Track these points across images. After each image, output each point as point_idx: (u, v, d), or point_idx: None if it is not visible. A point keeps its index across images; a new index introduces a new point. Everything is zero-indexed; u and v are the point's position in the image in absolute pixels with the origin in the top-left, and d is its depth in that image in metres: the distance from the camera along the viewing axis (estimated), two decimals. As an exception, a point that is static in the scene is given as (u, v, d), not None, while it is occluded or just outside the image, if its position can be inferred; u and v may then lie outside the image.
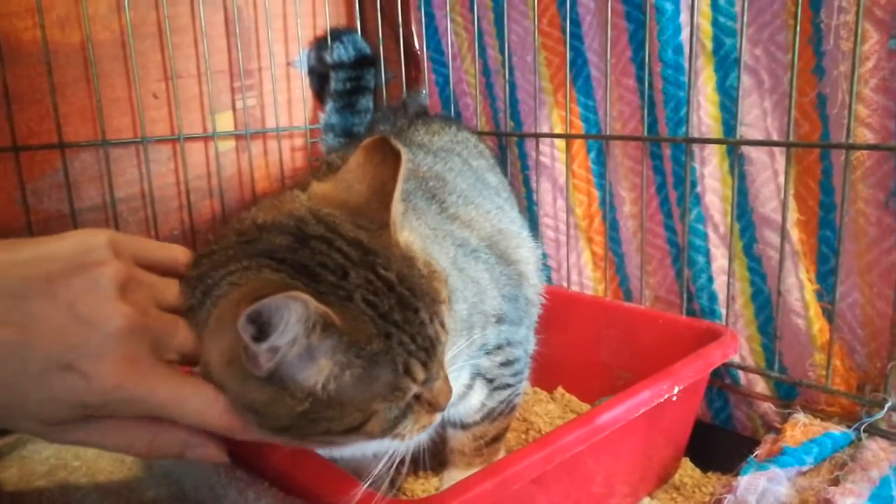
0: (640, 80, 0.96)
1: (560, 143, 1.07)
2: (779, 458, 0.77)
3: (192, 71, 1.13)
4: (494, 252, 0.80)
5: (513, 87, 1.11)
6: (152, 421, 0.54)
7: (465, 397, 0.75)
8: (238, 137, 1.19)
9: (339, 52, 1.21)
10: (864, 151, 0.78)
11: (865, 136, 0.77)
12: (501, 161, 1.15)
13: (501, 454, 0.82)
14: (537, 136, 1.08)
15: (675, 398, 0.74)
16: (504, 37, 1.10)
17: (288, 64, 1.24)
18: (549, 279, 1.12)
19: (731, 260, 0.90)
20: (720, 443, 0.94)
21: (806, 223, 0.85)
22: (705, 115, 0.90)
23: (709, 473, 0.88)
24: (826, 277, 0.84)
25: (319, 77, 1.26)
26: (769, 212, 0.86)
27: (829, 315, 0.84)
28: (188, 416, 0.53)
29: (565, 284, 1.10)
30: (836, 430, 0.80)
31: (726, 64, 0.88)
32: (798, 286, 0.86)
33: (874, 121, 0.76)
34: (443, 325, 0.55)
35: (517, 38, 1.09)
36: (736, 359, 0.91)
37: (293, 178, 1.24)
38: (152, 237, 1.09)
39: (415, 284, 0.54)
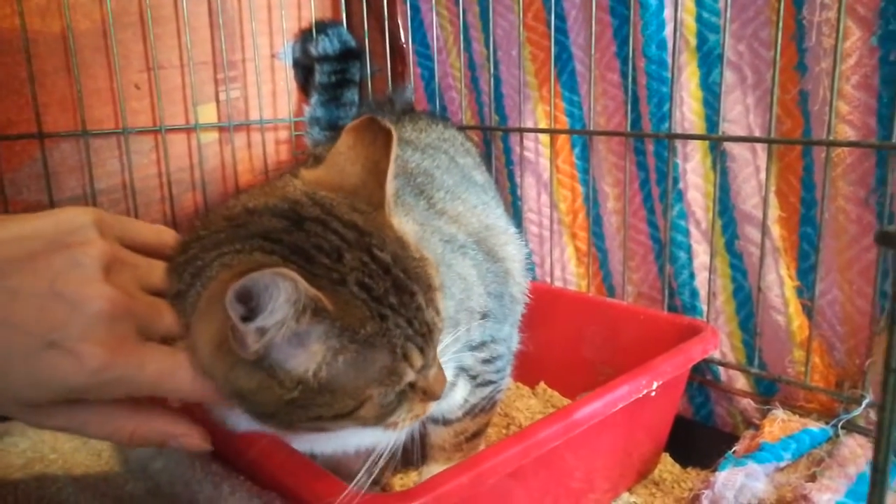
0: (624, 75, 0.95)
1: (544, 137, 1.06)
2: (757, 453, 0.77)
3: (175, 62, 1.12)
4: (482, 248, 0.79)
5: (498, 81, 1.11)
6: (136, 408, 0.54)
7: (449, 393, 0.74)
8: (221, 129, 1.18)
9: (325, 45, 1.20)
10: (845, 148, 0.78)
11: (847, 132, 0.77)
12: (486, 155, 1.15)
13: (482, 449, 0.81)
14: (521, 130, 1.07)
15: (653, 394, 0.74)
16: (489, 31, 1.09)
17: (272, 56, 1.23)
18: (532, 275, 1.12)
19: (712, 256, 0.90)
20: (701, 438, 0.94)
21: (787, 220, 0.85)
22: (688, 111, 0.90)
23: (689, 469, 0.89)
24: (807, 274, 0.84)
25: (304, 69, 1.25)
26: (751, 208, 0.87)
27: (808, 312, 0.84)
28: (182, 389, 0.52)
29: (549, 280, 1.09)
30: (815, 426, 0.81)
31: (710, 60, 0.88)
32: (778, 283, 0.86)
33: (855, 118, 0.77)
34: (438, 311, 0.54)
35: (502, 32, 1.08)
36: (716, 355, 0.91)
37: (277, 171, 1.23)
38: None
39: (409, 267, 0.53)
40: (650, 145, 0.94)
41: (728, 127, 0.87)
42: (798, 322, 0.85)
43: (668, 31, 0.89)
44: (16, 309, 0.47)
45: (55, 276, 0.49)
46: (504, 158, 1.14)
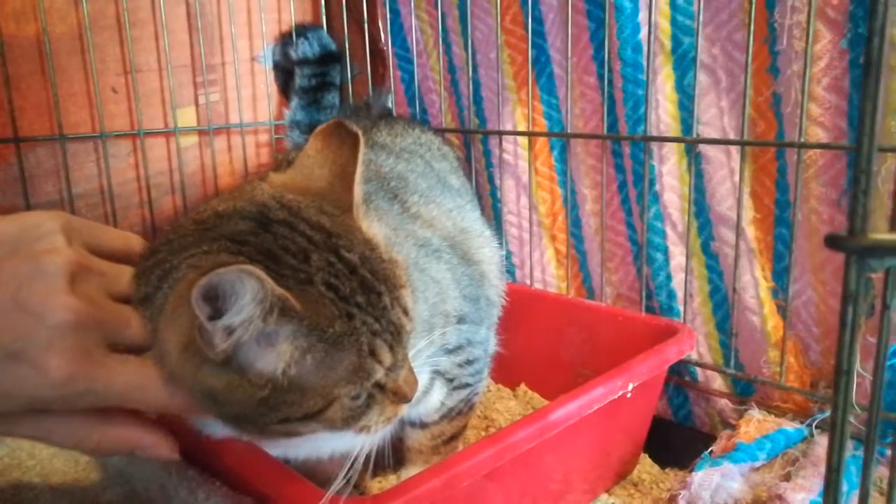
0: (601, 78, 0.96)
1: (523, 140, 1.07)
2: (732, 453, 0.78)
3: (153, 65, 1.11)
4: (456, 252, 0.80)
5: (477, 84, 1.11)
6: (102, 418, 0.53)
7: (425, 397, 0.75)
8: (201, 133, 1.18)
9: (304, 49, 1.20)
10: (817, 150, 0.79)
11: (818, 134, 0.78)
12: (466, 158, 1.15)
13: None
14: (500, 133, 1.08)
15: (629, 395, 0.74)
16: (468, 34, 1.10)
17: (252, 59, 1.23)
18: (512, 277, 1.12)
19: (688, 258, 0.90)
20: (679, 439, 0.94)
21: (762, 221, 0.86)
22: (664, 113, 0.90)
23: (667, 469, 0.89)
24: (782, 275, 0.85)
25: (284, 73, 1.25)
26: (726, 210, 0.87)
27: (783, 312, 0.84)
28: (151, 400, 0.52)
29: (528, 282, 1.10)
30: (790, 426, 0.82)
31: (684, 63, 0.88)
32: (753, 284, 0.86)
33: (826, 120, 0.77)
34: (406, 311, 0.54)
35: (481, 35, 1.09)
36: (693, 356, 0.92)
37: (257, 175, 1.22)
38: (111, 233, 1.07)
39: (377, 268, 0.53)
40: (627, 148, 0.95)
41: (703, 129, 0.87)
42: (773, 323, 0.86)
43: (643, 34, 0.89)
44: None
45: (19, 286, 0.48)
46: (484, 161, 1.14)
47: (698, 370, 0.93)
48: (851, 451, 0.76)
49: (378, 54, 1.25)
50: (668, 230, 0.93)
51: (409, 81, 1.22)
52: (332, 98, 1.22)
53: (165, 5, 1.10)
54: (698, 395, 0.95)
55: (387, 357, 0.52)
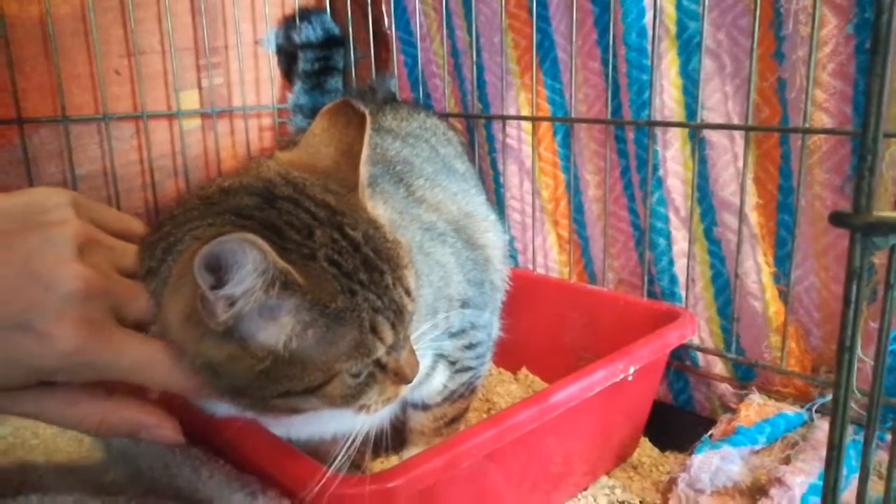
0: (605, 63, 0.96)
1: (527, 125, 1.07)
2: (732, 437, 0.78)
3: (157, 47, 1.11)
4: (461, 236, 0.80)
5: (480, 68, 1.11)
6: (105, 397, 0.54)
7: (428, 379, 0.75)
8: (204, 116, 1.18)
9: (308, 32, 1.20)
10: (821, 136, 0.78)
11: (823, 120, 0.78)
12: (469, 143, 1.15)
13: (460, 433, 0.82)
14: (504, 118, 1.07)
15: (630, 378, 0.74)
16: (472, 18, 1.09)
17: (255, 42, 1.23)
18: (515, 261, 1.12)
19: (691, 243, 0.91)
20: (679, 423, 0.95)
21: (764, 207, 0.86)
22: (668, 98, 0.90)
23: (667, 453, 0.90)
24: (784, 261, 0.85)
25: (288, 56, 1.25)
26: (729, 195, 0.87)
27: (785, 298, 0.85)
28: (157, 378, 0.52)
29: (531, 267, 1.10)
30: (790, 410, 0.82)
31: (689, 47, 0.88)
32: (756, 269, 0.87)
33: (831, 105, 0.77)
34: (408, 292, 0.55)
35: (485, 19, 1.08)
36: (695, 340, 0.92)
37: (263, 155, 1.22)
38: (115, 216, 1.08)
39: (380, 247, 0.54)
40: (631, 133, 0.95)
41: (707, 114, 0.87)
42: (775, 308, 0.86)
43: (648, 18, 0.89)
44: None
45: (29, 255, 0.48)
46: (487, 146, 1.14)
47: (699, 355, 0.93)
48: (851, 435, 0.76)
49: (381, 38, 1.25)
50: (671, 215, 0.93)
51: (412, 65, 1.21)
52: (336, 82, 1.22)
53: (169, -13, 1.09)
54: (699, 380, 0.95)
55: (388, 335, 0.53)
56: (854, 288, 0.39)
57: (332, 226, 0.52)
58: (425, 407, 0.78)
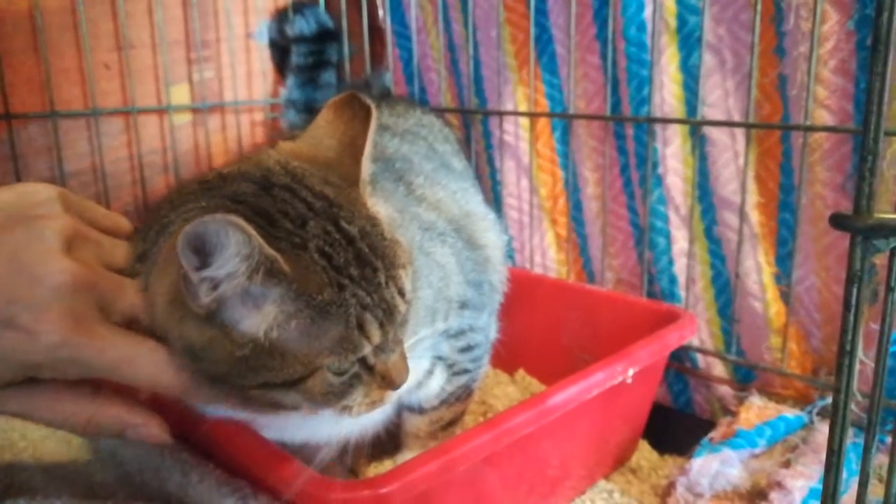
0: (604, 57, 0.94)
1: (524, 121, 1.05)
2: (732, 440, 0.77)
3: (146, 41, 1.09)
4: (461, 236, 0.79)
5: (477, 63, 1.09)
6: (92, 395, 0.53)
7: (426, 382, 0.74)
8: (194, 111, 1.16)
9: (301, 25, 1.18)
10: (823, 133, 0.77)
11: (824, 117, 0.77)
12: (466, 139, 1.13)
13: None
14: (501, 113, 1.06)
15: (629, 380, 0.73)
16: (469, 11, 1.07)
17: (248, 35, 1.21)
18: (512, 261, 1.11)
19: (691, 242, 0.89)
20: (679, 426, 0.94)
21: (765, 205, 0.85)
22: (668, 94, 0.89)
23: (666, 456, 0.88)
24: (785, 260, 0.84)
25: (280, 50, 1.23)
26: (729, 194, 0.86)
27: (785, 298, 0.83)
28: (141, 377, 0.52)
29: (528, 266, 1.08)
30: (790, 413, 0.81)
31: (690, 43, 0.86)
32: (756, 269, 0.85)
33: (832, 103, 0.76)
34: (401, 292, 0.53)
35: (482, 12, 1.07)
36: (695, 342, 0.91)
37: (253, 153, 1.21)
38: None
39: (376, 244, 0.52)
40: (630, 129, 0.93)
41: (707, 111, 0.86)
42: (775, 309, 0.85)
43: (648, 13, 0.87)
44: None
45: (16, 249, 0.48)
46: (484, 142, 1.12)
47: (699, 356, 0.92)
48: (851, 438, 0.75)
49: (376, 32, 1.23)
50: (671, 214, 0.91)
51: (407, 60, 1.20)
52: (329, 77, 1.20)
53: (159, -21, 1.07)
54: (698, 382, 0.94)
55: (375, 334, 0.51)
56: (854, 291, 0.38)
57: (327, 218, 0.51)
58: (422, 410, 0.76)
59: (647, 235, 0.92)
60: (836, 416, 0.36)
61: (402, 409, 0.77)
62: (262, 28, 1.21)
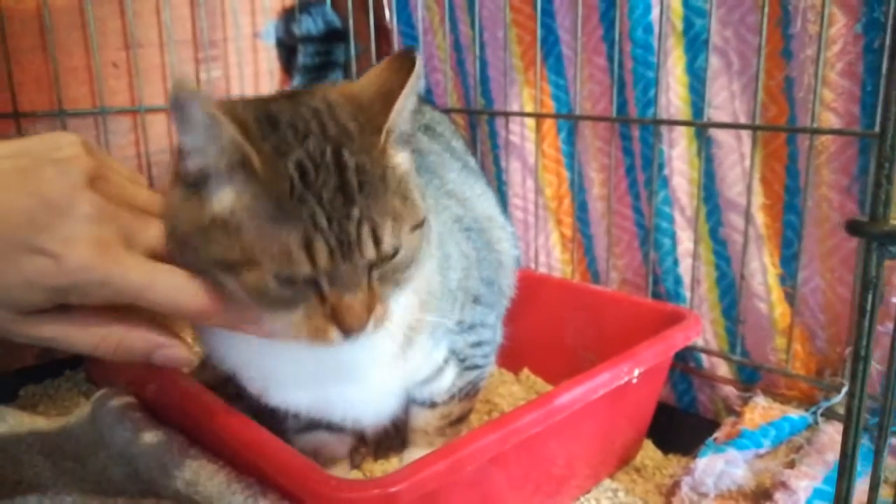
0: (610, 59, 0.94)
1: (530, 122, 1.05)
2: (737, 440, 0.78)
3: (154, 40, 1.09)
4: (483, 237, 0.80)
5: (484, 63, 1.10)
6: (120, 318, 0.56)
7: (439, 375, 0.74)
8: (202, 110, 1.16)
9: (308, 25, 1.18)
10: (829, 136, 0.77)
11: (831, 120, 0.77)
12: (472, 139, 1.14)
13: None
14: (507, 114, 1.06)
15: (635, 380, 0.74)
16: (475, 12, 1.08)
17: (255, 35, 1.21)
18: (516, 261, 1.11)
19: (696, 243, 0.90)
20: (683, 425, 0.94)
21: (771, 207, 0.85)
22: (674, 96, 0.89)
23: (670, 455, 0.89)
24: (790, 262, 0.84)
25: (288, 50, 1.23)
26: (735, 195, 0.86)
27: (790, 299, 0.84)
28: (162, 300, 0.54)
29: (534, 266, 1.09)
30: (795, 413, 0.81)
31: (696, 45, 0.87)
32: (761, 270, 0.86)
33: (839, 105, 0.76)
34: (376, 239, 0.52)
35: (488, 13, 1.07)
36: (699, 342, 0.91)
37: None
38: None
39: (369, 182, 0.52)
40: (636, 131, 0.94)
41: (713, 113, 0.86)
42: (780, 310, 0.85)
43: (655, 14, 0.88)
44: (4, 218, 0.50)
45: (42, 185, 0.51)
46: (489, 143, 1.13)
47: (703, 356, 0.92)
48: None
49: (382, 32, 1.23)
50: (677, 215, 0.92)
51: (414, 60, 1.20)
52: (336, 77, 1.20)
53: (167, -21, 1.08)
54: (703, 382, 0.94)
55: (322, 258, 0.51)
56: (869, 297, 0.39)
57: (330, 142, 0.53)
58: (433, 404, 0.77)
59: (652, 236, 0.93)
60: (849, 421, 0.36)
61: (411, 404, 0.77)
62: (269, 28, 1.21)
